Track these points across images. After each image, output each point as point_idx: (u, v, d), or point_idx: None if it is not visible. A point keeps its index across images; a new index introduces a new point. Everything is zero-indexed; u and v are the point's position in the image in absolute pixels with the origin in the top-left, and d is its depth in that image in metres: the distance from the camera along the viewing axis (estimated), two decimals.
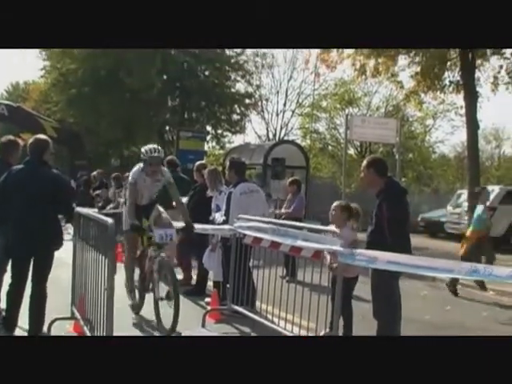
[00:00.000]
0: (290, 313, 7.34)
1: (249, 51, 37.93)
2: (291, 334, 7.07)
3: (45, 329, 6.77)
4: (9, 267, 6.90)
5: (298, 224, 8.28)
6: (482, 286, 12.13)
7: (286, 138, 40.78)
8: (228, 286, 8.69)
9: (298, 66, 42.03)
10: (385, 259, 5.84)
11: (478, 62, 16.75)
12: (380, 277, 6.26)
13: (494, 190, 21.80)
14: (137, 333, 7.57)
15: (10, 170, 6.75)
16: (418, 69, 17.58)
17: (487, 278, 5.25)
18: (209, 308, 8.70)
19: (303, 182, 18.75)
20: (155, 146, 8.39)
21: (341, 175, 23.51)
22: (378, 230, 6.31)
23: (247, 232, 7.96)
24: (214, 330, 7.81)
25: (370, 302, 6.62)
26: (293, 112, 43.73)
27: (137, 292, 8.58)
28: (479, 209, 12.59)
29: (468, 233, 12.61)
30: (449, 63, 17.21)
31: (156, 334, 7.54)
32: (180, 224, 8.51)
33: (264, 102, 43.46)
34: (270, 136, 43.79)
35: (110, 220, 5.75)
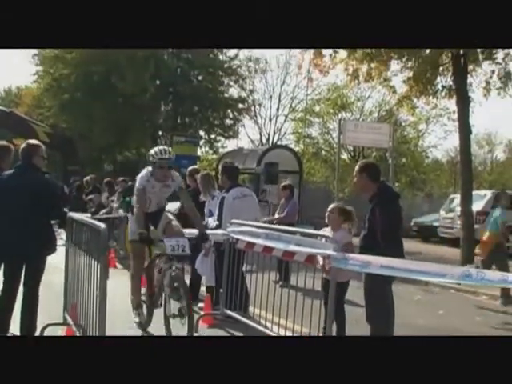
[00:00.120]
0: (283, 318, 7.33)
1: (242, 56, 38.10)
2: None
3: (37, 334, 6.74)
4: (0, 272, 6.88)
5: (290, 229, 8.27)
6: (507, 296, 11.39)
7: (279, 143, 40.89)
8: (221, 290, 8.68)
9: (290, 70, 42.23)
10: (378, 264, 5.84)
11: (470, 67, 16.79)
12: (373, 281, 6.26)
13: (487, 194, 21.89)
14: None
15: (1, 176, 6.75)
16: (411, 74, 17.59)
17: (479, 282, 5.24)
18: (202, 313, 8.68)
19: (296, 186, 18.77)
20: (165, 147, 7.62)
21: (334, 180, 23.53)
22: (371, 235, 6.31)
23: (240, 237, 7.95)
24: (207, 334, 7.79)
25: (363, 307, 6.63)
26: (286, 117, 43.94)
27: (144, 307, 7.86)
28: (497, 212, 12.34)
29: (484, 237, 12.30)
30: (441, 68, 17.23)
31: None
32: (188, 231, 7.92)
33: (257, 106, 43.70)
34: (264, 141, 43.92)
35: (102, 225, 5.73)
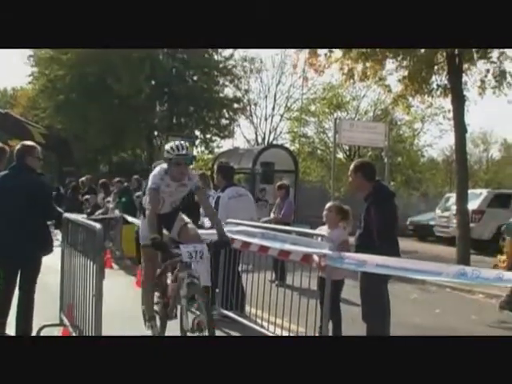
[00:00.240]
0: (279, 317, 7.34)
1: (237, 56, 38.09)
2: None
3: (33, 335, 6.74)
4: None
5: (286, 228, 8.28)
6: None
7: (274, 143, 40.87)
8: (217, 290, 8.67)
9: (286, 70, 42.15)
10: (374, 262, 5.86)
11: (465, 66, 16.78)
12: (369, 280, 6.28)
13: (482, 193, 21.94)
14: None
15: None
16: (406, 73, 17.58)
17: (475, 280, 5.26)
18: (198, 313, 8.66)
19: (292, 186, 18.77)
20: (182, 142, 6.77)
21: (330, 179, 23.51)
22: (367, 234, 6.33)
23: (236, 236, 7.95)
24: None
25: (359, 306, 6.64)
26: (281, 116, 43.89)
27: (157, 319, 7.11)
28: None
29: (508, 245, 11.66)
30: (436, 67, 17.23)
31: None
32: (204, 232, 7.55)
33: (253, 106, 43.60)
34: (259, 140, 43.87)
35: (98, 225, 5.74)
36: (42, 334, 6.78)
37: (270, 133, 44.34)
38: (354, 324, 7.20)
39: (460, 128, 16.59)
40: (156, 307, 7.14)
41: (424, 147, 39.14)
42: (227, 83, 37.78)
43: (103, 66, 30.08)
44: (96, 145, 33.22)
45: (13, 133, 26.63)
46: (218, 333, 7.87)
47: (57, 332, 7.15)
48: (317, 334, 7.12)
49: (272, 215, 12.79)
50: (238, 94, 39.02)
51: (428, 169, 41.16)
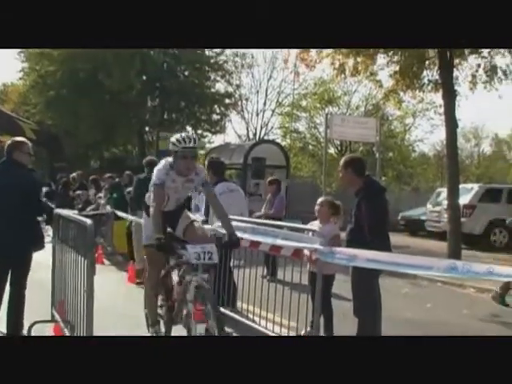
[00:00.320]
0: (270, 312, 7.35)
1: (228, 51, 38.08)
2: (273, 334, 7.08)
3: (24, 332, 6.73)
4: None
5: (277, 223, 8.29)
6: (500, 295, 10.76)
7: (266, 138, 40.90)
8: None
9: (277, 65, 42.32)
10: (364, 257, 5.89)
11: (456, 61, 16.81)
12: (360, 275, 6.30)
13: (474, 188, 22.00)
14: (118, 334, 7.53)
15: None
16: (397, 68, 17.61)
17: (466, 275, 5.28)
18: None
19: (284, 181, 18.77)
20: (189, 133, 6.25)
21: (321, 174, 23.58)
22: (358, 229, 6.34)
23: None
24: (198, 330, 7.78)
25: (351, 301, 6.66)
26: (273, 111, 44.01)
27: (162, 324, 6.69)
28: None
29: None
30: (427, 62, 17.26)
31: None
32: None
33: (244, 101, 43.73)
34: (250, 135, 43.99)
35: (88, 221, 5.72)
36: (33, 330, 6.78)
37: (262, 128, 44.52)
38: (345, 319, 7.22)
39: (451, 123, 16.63)
40: (160, 311, 6.74)
41: (415, 142, 39.35)
42: (218, 78, 37.82)
43: (94, 62, 30.02)
44: (87, 140, 33.20)
45: (4, 129, 26.41)
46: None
47: (48, 328, 7.15)
48: (308, 329, 7.14)
49: (263, 210, 12.75)
50: (230, 90, 39.10)
51: (419, 164, 41.29)
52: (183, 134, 6.15)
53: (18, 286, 6.71)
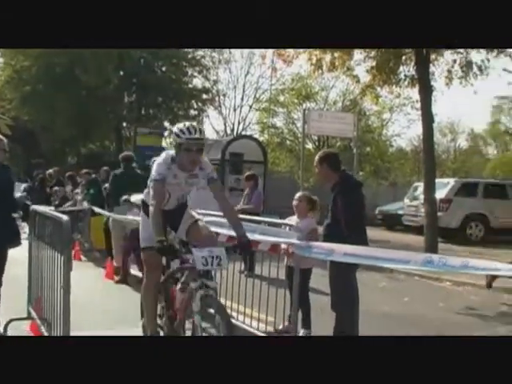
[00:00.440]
0: (248, 307, 7.36)
1: None
2: (250, 329, 7.10)
3: (0, 329, 6.68)
4: None
5: (255, 218, 8.29)
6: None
7: (243, 133, 40.90)
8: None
9: (254, 60, 42.26)
10: (342, 251, 5.91)
11: (432, 56, 16.93)
12: (337, 269, 6.32)
13: (450, 182, 22.16)
14: (96, 332, 7.48)
15: None
16: (374, 63, 17.68)
17: (441, 268, 5.31)
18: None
19: (261, 176, 18.78)
20: (194, 124, 5.55)
21: (299, 169, 23.58)
22: (334, 223, 6.36)
23: None
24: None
25: (329, 295, 6.68)
26: (250, 107, 43.99)
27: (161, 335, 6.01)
28: None
29: None
30: (404, 57, 17.35)
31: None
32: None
33: (221, 97, 43.59)
34: (228, 131, 43.91)
35: (65, 217, 5.70)
36: (9, 328, 6.73)
37: (239, 123, 44.47)
38: (322, 313, 7.24)
39: (427, 118, 16.74)
40: (159, 321, 6.05)
41: (392, 137, 39.46)
42: (196, 74, 37.66)
43: (70, 57, 29.72)
44: (64, 136, 32.93)
45: None
46: (189, 324, 7.93)
47: (25, 325, 7.10)
48: (286, 323, 7.17)
49: (240, 205, 12.72)
50: (207, 85, 38.91)
51: (396, 158, 41.42)
52: (187, 124, 5.48)
53: None
